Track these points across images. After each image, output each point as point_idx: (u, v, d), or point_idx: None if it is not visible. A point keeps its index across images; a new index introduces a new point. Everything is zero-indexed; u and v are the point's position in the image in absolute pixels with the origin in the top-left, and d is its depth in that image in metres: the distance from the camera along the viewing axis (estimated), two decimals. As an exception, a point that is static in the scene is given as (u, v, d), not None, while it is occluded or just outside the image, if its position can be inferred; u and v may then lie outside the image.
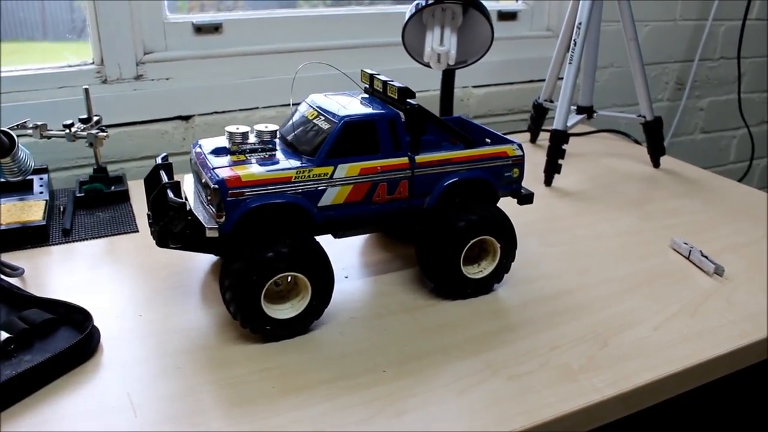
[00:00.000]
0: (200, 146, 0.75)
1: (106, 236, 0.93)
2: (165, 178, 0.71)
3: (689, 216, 1.02)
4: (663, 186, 1.14)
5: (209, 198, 0.67)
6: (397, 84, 0.75)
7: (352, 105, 0.75)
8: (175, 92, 1.23)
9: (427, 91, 1.38)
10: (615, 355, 0.68)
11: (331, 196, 0.70)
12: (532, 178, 1.14)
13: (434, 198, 0.75)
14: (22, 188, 0.99)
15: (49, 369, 0.64)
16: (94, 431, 0.57)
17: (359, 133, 0.71)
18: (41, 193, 0.99)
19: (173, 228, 0.67)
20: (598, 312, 0.76)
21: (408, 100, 0.74)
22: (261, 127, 0.73)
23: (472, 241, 0.75)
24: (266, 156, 0.72)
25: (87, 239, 0.92)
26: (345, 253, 0.88)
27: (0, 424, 0.58)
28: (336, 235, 0.76)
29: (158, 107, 1.22)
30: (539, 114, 1.29)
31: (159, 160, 0.75)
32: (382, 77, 0.79)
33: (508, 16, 1.46)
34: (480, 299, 0.78)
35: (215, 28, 1.25)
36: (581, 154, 1.29)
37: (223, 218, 0.66)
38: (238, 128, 0.73)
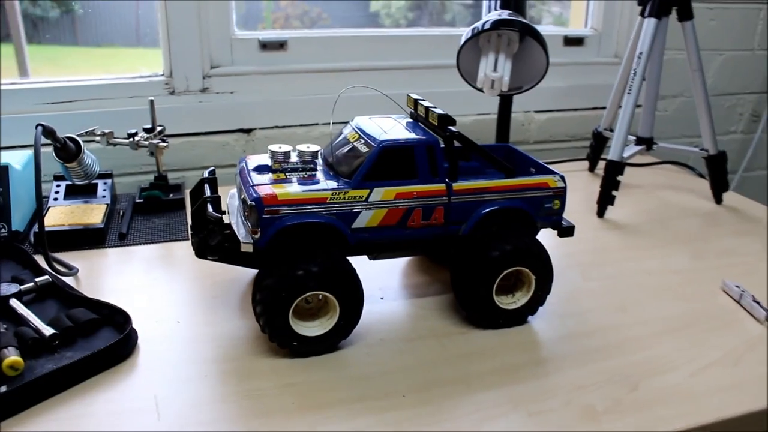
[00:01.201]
0: (246, 162, 0.77)
1: (159, 242, 0.97)
2: (208, 192, 0.74)
3: (745, 257, 0.97)
4: (722, 223, 1.10)
5: (246, 214, 0.69)
6: (438, 111, 0.76)
7: (393, 129, 0.75)
8: (239, 106, 1.27)
9: (487, 114, 1.38)
10: (644, 400, 0.66)
11: (365, 219, 0.71)
12: (586, 208, 1.12)
13: (470, 226, 0.75)
14: (88, 191, 1.05)
15: (86, 366, 0.67)
16: (117, 431, 0.60)
17: (397, 157, 0.72)
18: (104, 197, 1.05)
19: (210, 241, 0.70)
20: (633, 353, 0.73)
21: (449, 127, 0.75)
22: (303, 147, 0.75)
23: (505, 272, 0.74)
24: (306, 176, 0.73)
25: (141, 244, 0.97)
26: (384, 274, 0.89)
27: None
28: (371, 257, 0.77)
29: (221, 119, 1.27)
30: (599, 143, 1.26)
31: (206, 174, 0.78)
32: (426, 103, 0.79)
33: (574, 41, 1.44)
34: (512, 330, 0.77)
35: (280, 45, 1.29)
36: (639, 185, 1.25)
37: (259, 234, 0.68)
38: (280, 147, 0.75)
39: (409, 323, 0.78)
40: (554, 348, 0.74)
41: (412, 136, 0.74)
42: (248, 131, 1.29)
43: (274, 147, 0.75)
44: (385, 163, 0.71)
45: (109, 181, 1.08)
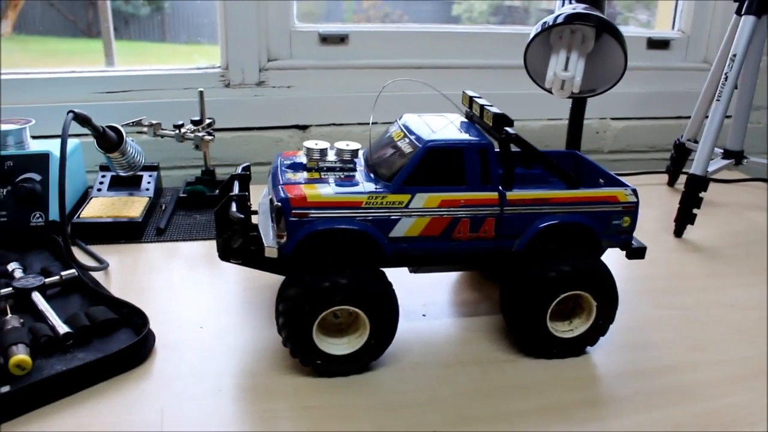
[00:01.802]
0: (280, 159, 0.71)
1: (197, 240, 0.93)
2: (236, 190, 0.68)
3: None
4: (822, 253, 0.96)
5: (273, 215, 0.63)
6: (494, 109, 0.67)
7: (444, 129, 0.68)
8: (295, 101, 1.22)
9: (558, 119, 1.28)
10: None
11: (405, 228, 0.64)
12: (663, 227, 1.00)
13: (525, 241, 0.66)
14: (132, 183, 1.02)
15: (96, 370, 0.63)
16: None
17: (444, 160, 0.64)
18: (147, 190, 1.01)
19: (233, 243, 0.64)
20: (707, 400, 0.63)
21: (505, 128, 0.66)
22: (342, 144, 0.69)
23: (562, 296, 0.65)
24: (343, 176, 0.66)
25: (178, 240, 0.92)
26: (429, 288, 0.81)
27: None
28: (411, 270, 0.69)
29: (277, 114, 1.22)
30: (681, 155, 1.14)
31: (239, 170, 0.73)
32: (482, 101, 0.71)
33: (659, 44, 1.32)
34: (567, 362, 0.68)
35: (341, 39, 1.23)
36: (725, 204, 1.12)
37: (285, 239, 0.62)
38: (317, 144, 0.68)
39: (450, 346, 0.70)
40: (614, 387, 0.64)
41: (464, 137, 0.65)
42: (304, 128, 1.23)
43: (310, 144, 0.68)
44: (431, 166, 0.64)
45: (154, 173, 1.04)
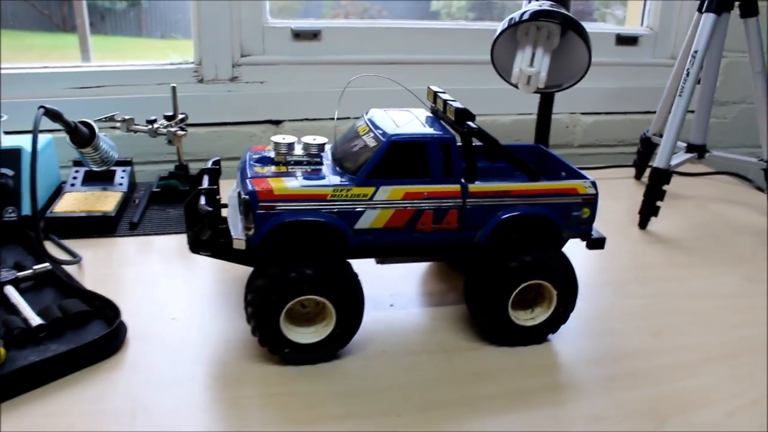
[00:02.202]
0: (249, 154, 0.72)
1: (170, 233, 0.94)
2: (205, 183, 0.69)
3: (805, 282, 0.87)
4: (781, 243, 0.99)
5: (241, 208, 0.65)
6: (456, 104, 0.69)
7: (408, 123, 0.69)
8: (268, 96, 1.23)
9: (529, 114, 1.30)
10: (670, 440, 0.58)
11: (369, 220, 0.65)
12: (628, 219, 1.03)
13: (487, 232, 0.68)
14: (106, 178, 1.03)
15: (69, 361, 0.64)
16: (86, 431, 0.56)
17: (407, 154, 0.66)
18: (121, 184, 1.02)
19: (202, 236, 0.65)
20: (664, 384, 0.65)
21: (467, 122, 0.68)
22: (309, 139, 0.70)
23: (523, 285, 0.67)
24: (310, 170, 0.68)
25: (151, 234, 0.93)
26: (396, 279, 0.83)
27: None
28: (378, 261, 0.71)
29: (250, 110, 1.23)
30: (646, 149, 1.17)
31: (210, 164, 0.74)
32: (445, 96, 0.73)
33: (627, 40, 1.35)
34: (530, 349, 0.70)
35: (314, 35, 1.25)
36: (690, 197, 1.15)
37: (252, 231, 0.64)
38: (284, 138, 0.70)
39: (417, 335, 0.72)
40: (574, 373, 0.67)
41: (427, 131, 0.67)
42: (277, 123, 1.25)
43: (278, 138, 0.70)
44: (394, 159, 0.65)
45: (128, 168, 1.05)
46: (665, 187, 0.97)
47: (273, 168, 0.68)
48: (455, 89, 1.27)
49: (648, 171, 1.17)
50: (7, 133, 0.98)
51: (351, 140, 0.71)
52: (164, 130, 1.02)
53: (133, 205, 1.01)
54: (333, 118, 1.22)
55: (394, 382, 0.64)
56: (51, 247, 0.87)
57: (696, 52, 0.96)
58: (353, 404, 0.61)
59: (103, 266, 0.84)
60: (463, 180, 0.67)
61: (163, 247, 0.90)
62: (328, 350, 0.66)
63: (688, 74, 0.96)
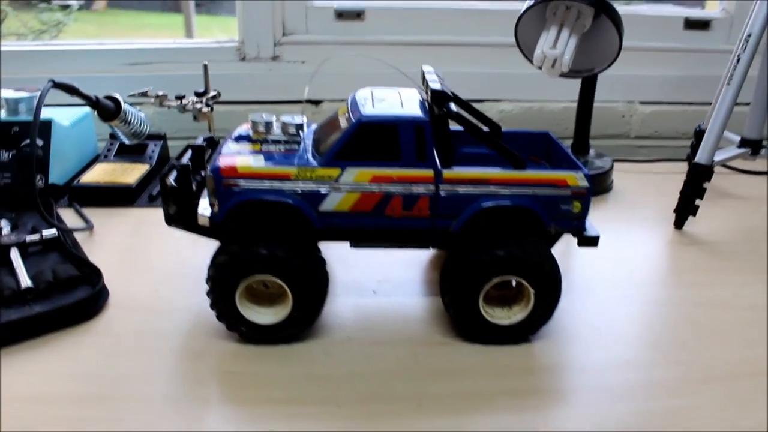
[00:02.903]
0: (235, 131, 0.72)
1: (187, 207, 0.96)
2: (185, 159, 0.69)
3: None
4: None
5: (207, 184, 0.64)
6: (434, 85, 0.65)
7: (388, 104, 0.66)
8: (308, 76, 1.22)
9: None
10: (626, 462, 0.52)
11: (334, 202, 0.63)
12: (666, 217, 0.93)
13: (461, 222, 0.64)
14: (138, 152, 1.06)
15: (46, 322, 0.67)
16: (50, 391, 0.58)
17: (377, 136, 0.63)
18: (150, 158, 1.05)
19: (169, 210, 0.65)
20: (652, 401, 0.59)
21: (446, 104, 0.64)
22: (287, 118, 0.69)
23: (495, 280, 0.63)
24: (283, 150, 0.67)
25: (168, 208, 0.95)
26: (392, 266, 0.80)
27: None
28: (352, 245, 0.69)
29: (290, 89, 1.23)
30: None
31: (200, 140, 0.74)
32: (430, 77, 0.69)
33: (697, 24, 1.23)
34: (506, 350, 0.65)
35: (357, 15, 1.23)
36: (741, 196, 1.03)
37: (216, 207, 0.63)
38: (262, 116, 0.69)
39: (389, 325, 0.69)
40: (551, 379, 0.62)
41: (402, 112, 0.64)
42: (317, 103, 1.24)
43: (256, 116, 0.69)
44: (363, 141, 0.62)
45: (160, 142, 1.08)
46: (706, 185, 0.88)
47: (248, 146, 0.67)
48: (504, 73, 1.23)
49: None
50: (50, 105, 1.03)
51: (330, 121, 0.68)
52: (191, 107, 1.03)
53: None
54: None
55: (348, 370, 0.62)
56: (71, 215, 0.91)
57: (750, 35, 0.86)
58: (300, 389, 0.59)
59: (112, 235, 0.87)
60: (438, 166, 0.63)
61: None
62: (287, 333, 0.64)
63: (738, 60, 0.86)
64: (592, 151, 1.07)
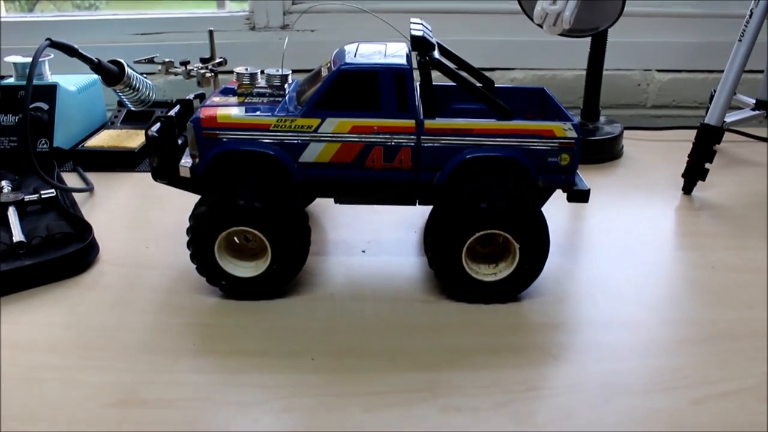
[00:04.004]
0: (222, 86, 0.71)
1: (188, 172, 0.96)
2: (173, 112, 0.69)
3: None
4: None
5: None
6: (415, 32, 0.63)
7: (372, 56, 0.65)
8: (318, 45, 1.21)
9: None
10: (608, 422, 0.50)
11: (314, 153, 0.62)
12: (675, 182, 0.89)
13: (445, 174, 0.62)
14: (145, 119, 1.06)
15: (35, 274, 0.67)
16: (31, 339, 0.59)
17: (357, 85, 0.61)
18: (156, 124, 1.05)
19: (152, 162, 0.65)
20: (631, 359, 0.56)
21: (431, 53, 0.62)
22: (272, 70, 0.68)
23: (478, 234, 0.61)
24: (267, 101, 0.66)
25: (169, 172, 0.96)
26: (386, 226, 0.79)
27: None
28: (336, 201, 0.68)
29: (300, 58, 1.21)
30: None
31: (191, 96, 0.74)
32: (414, 27, 0.67)
33: (718, -13, 1.18)
34: (492, 308, 0.63)
35: (368, -17, 1.21)
36: (756, 163, 0.98)
37: (197, 158, 0.63)
38: (247, 69, 0.68)
39: (374, 282, 0.68)
40: (532, 337, 0.60)
41: (382, 61, 0.62)
42: (324, 73, 1.23)
43: (240, 69, 0.68)
44: (343, 90, 0.61)
45: (165, 110, 1.08)
46: (717, 148, 0.84)
47: (233, 98, 0.67)
48: (515, 41, 1.20)
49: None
50: (58, 73, 1.04)
51: (314, 74, 0.67)
52: (195, 73, 1.03)
53: (163, 144, 1.04)
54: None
55: (325, 325, 0.61)
56: (74, 178, 0.92)
57: (763, -11, 0.82)
58: (274, 342, 0.58)
59: (111, 197, 0.88)
60: (420, 117, 0.62)
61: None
62: (267, 287, 0.64)
63: (751, 15, 0.81)
64: (602, 117, 1.03)
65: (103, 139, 1.00)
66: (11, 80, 1.00)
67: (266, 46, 1.21)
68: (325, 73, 0.63)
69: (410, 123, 0.61)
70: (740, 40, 0.82)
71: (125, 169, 0.96)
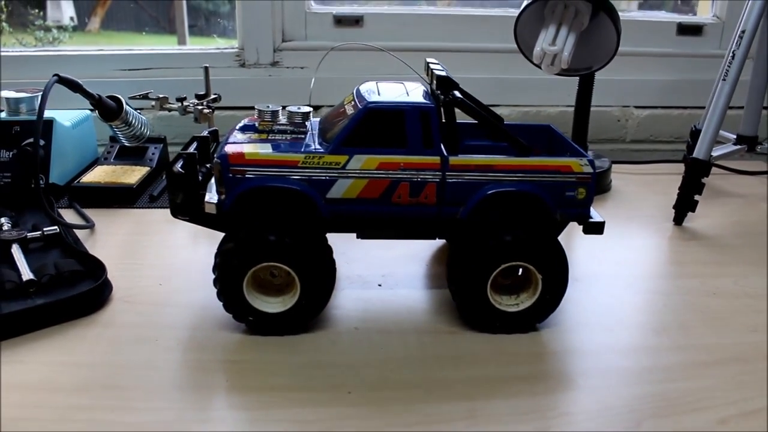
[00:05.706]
0: (240, 122, 0.72)
1: (187, 207, 0.95)
2: (191, 148, 0.70)
3: None
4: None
5: (214, 172, 0.64)
6: (439, 72, 0.66)
7: (394, 94, 0.67)
8: (308, 81, 1.23)
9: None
10: (639, 442, 0.52)
11: (342, 189, 0.63)
12: (665, 214, 0.94)
13: (468, 209, 0.64)
14: (138, 154, 1.06)
15: (49, 313, 0.66)
16: (53, 380, 0.57)
17: (384, 122, 0.63)
18: (150, 161, 1.05)
19: (176, 199, 0.65)
20: (653, 384, 0.59)
21: (453, 92, 0.65)
22: (293, 108, 0.69)
23: (503, 266, 0.63)
24: (290, 138, 0.67)
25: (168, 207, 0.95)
26: (397, 260, 0.80)
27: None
28: (358, 236, 0.69)
29: (290, 94, 1.23)
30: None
31: (204, 132, 0.74)
32: (435, 66, 0.70)
33: (690, 29, 1.25)
34: (513, 337, 0.65)
35: (356, 21, 1.24)
36: (740, 194, 1.04)
37: (224, 195, 0.63)
38: (269, 106, 0.69)
39: (395, 315, 0.69)
40: (556, 364, 0.62)
41: (407, 99, 0.64)
42: (316, 108, 1.24)
43: (262, 106, 0.69)
44: (370, 127, 0.63)
45: (160, 145, 1.08)
46: (705, 180, 0.89)
47: (254, 135, 0.68)
48: (501, 78, 1.24)
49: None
50: (52, 108, 1.03)
51: (336, 111, 0.69)
52: (192, 108, 1.04)
53: (160, 179, 1.03)
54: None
55: (355, 359, 0.61)
56: (72, 214, 0.91)
57: (743, 32, 0.88)
58: (307, 377, 0.59)
59: (113, 233, 0.87)
60: (444, 153, 0.64)
61: (176, 219, 0.92)
62: (294, 322, 0.64)
63: (733, 56, 0.87)
64: (590, 153, 1.07)
65: (98, 175, 0.99)
66: (3, 114, 0.98)
67: (256, 83, 1.22)
68: (350, 111, 0.65)
69: (436, 159, 0.63)
70: (724, 80, 0.88)
71: (123, 205, 0.95)
